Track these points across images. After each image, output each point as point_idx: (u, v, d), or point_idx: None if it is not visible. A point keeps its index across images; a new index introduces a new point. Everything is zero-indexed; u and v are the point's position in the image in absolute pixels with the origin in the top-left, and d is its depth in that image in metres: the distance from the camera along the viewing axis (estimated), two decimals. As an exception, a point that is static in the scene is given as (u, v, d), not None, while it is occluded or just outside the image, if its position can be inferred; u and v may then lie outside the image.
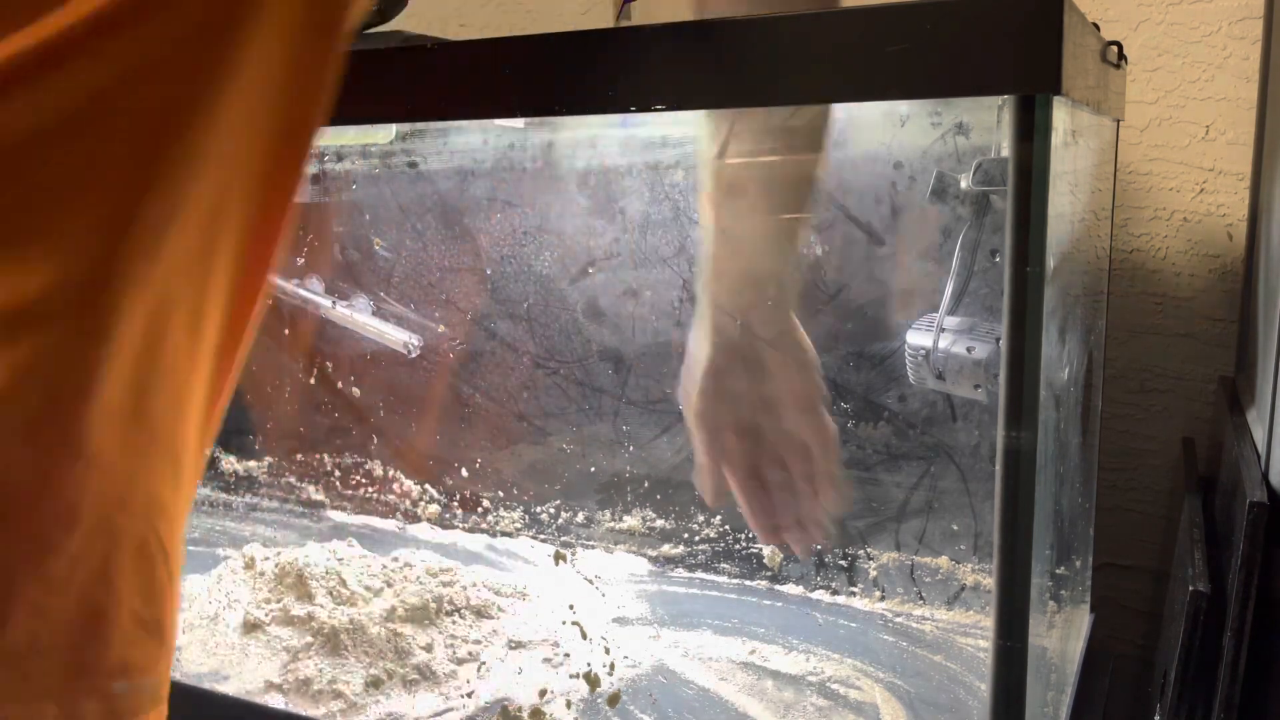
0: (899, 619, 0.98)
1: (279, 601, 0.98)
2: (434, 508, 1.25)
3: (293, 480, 1.34)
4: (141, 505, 0.46)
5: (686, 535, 1.12)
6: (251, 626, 0.96)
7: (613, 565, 1.11)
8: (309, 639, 0.92)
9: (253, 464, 1.37)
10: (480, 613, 0.99)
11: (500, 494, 1.22)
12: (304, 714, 0.84)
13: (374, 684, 0.87)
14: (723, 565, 1.09)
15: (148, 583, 0.46)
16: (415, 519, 1.25)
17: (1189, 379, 1.06)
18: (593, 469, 1.16)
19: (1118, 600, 1.10)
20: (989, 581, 0.97)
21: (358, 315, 1.20)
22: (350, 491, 1.30)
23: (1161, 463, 1.08)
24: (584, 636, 0.94)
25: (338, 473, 1.31)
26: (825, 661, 0.90)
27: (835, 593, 1.03)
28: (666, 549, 1.12)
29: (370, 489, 1.28)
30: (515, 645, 0.94)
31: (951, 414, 0.98)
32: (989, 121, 0.80)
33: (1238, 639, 0.71)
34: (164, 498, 0.47)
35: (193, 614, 1.00)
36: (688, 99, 0.59)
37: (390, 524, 1.25)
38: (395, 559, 1.08)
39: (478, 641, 0.94)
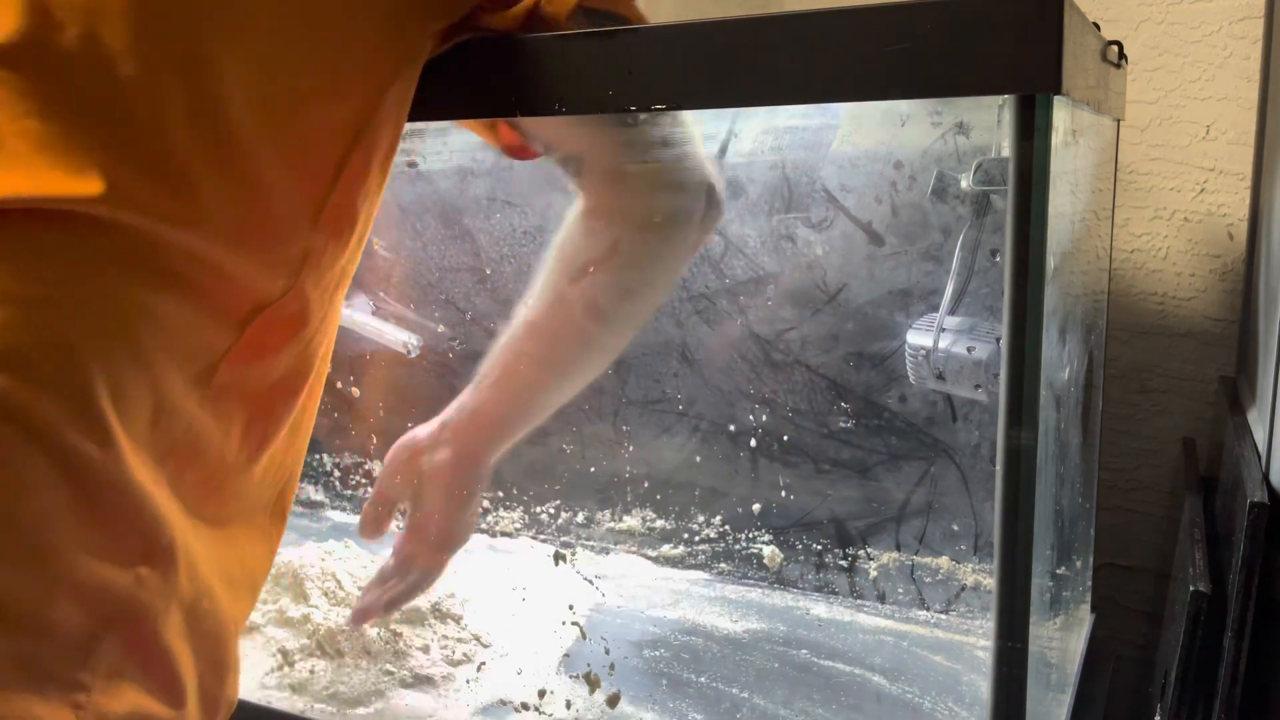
0: (899, 619, 0.98)
1: (275, 603, 0.97)
2: (433, 508, 1.24)
3: (292, 480, 1.33)
4: None
5: (686, 535, 1.12)
6: (247, 628, 0.95)
7: (612, 565, 1.11)
8: (305, 640, 0.92)
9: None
10: (478, 614, 0.99)
11: (500, 494, 1.22)
12: (301, 715, 0.84)
13: (372, 685, 0.87)
14: (722, 565, 1.09)
15: None
16: (415, 519, 1.24)
17: (1189, 379, 1.06)
18: (593, 469, 1.16)
19: (1118, 600, 1.10)
20: (989, 581, 0.97)
21: (357, 315, 1.20)
22: (350, 491, 1.30)
23: (1162, 463, 1.08)
24: (584, 636, 0.94)
25: (337, 473, 1.31)
26: (825, 661, 0.90)
27: (835, 593, 1.03)
28: (666, 549, 1.12)
29: (370, 489, 1.27)
30: (514, 646, 0.94)
31: (952, 414, 0.97)
32: (989, 121, 0.80)
33: (1238, 639, 0.71)
34: None
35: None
36: (688, 99, 0.59)
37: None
38: (394, 559, 1.07)
39: (476, 642, 0.94)
